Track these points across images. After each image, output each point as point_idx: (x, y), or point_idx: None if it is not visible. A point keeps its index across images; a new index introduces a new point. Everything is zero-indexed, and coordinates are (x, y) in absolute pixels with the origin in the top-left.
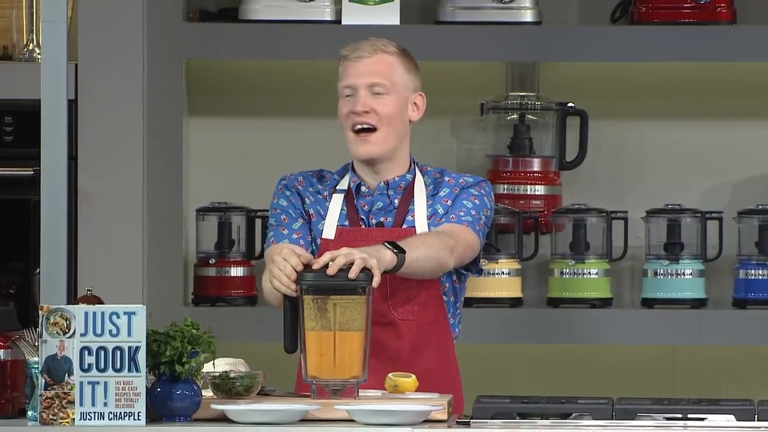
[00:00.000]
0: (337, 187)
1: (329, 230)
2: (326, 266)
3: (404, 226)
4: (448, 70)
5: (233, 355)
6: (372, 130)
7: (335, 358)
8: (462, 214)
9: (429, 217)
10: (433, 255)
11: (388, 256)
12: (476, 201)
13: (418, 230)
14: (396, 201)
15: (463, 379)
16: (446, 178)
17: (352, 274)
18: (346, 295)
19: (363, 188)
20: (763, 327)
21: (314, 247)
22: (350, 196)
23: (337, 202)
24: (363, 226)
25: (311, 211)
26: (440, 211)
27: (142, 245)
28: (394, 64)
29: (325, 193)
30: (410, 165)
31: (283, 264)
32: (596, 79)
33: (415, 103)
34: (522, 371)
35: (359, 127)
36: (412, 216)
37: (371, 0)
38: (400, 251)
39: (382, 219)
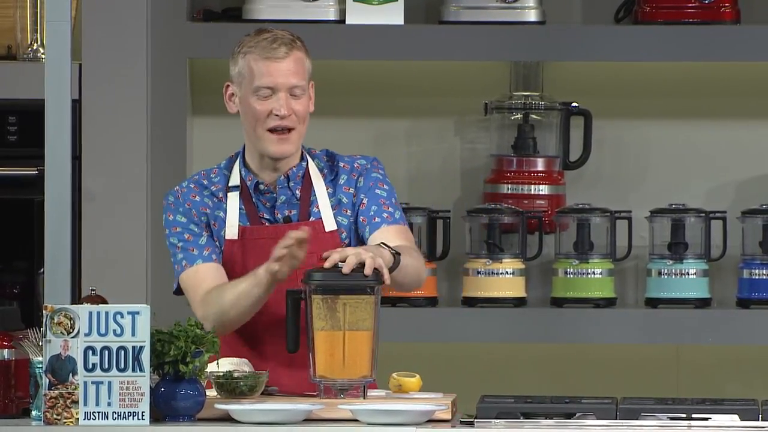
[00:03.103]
0: (230, 185)
1: (231, 231)
2: (336, 266)
3: (311, 218)
4: (452, 70)
5: (237, 355)
6: (290, 128)
7: (345, 358)
8: (391, 209)
9: (334, 207)
10: (417, 267)
11: (387, 255)
12: (385, 187)
13: (325, 221)
14: (297, 191)
15: (467, 378)
16: (341, 164)
17: (368, 270)
18: (356, 295)
19: (261, 186)
20: (766, 326)
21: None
22: (246, 194)
23: (233, 202)
24: (266, 224)
25: (213, 221)
26: (345, 200)
27: (146, 245)
28: (305, 61)
29: (220, 194)
30: (302, 153)
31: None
32: (600, 79)
33: (310, 94)
34: (526, 371)
35: (280, 128)
36: (317, 207)
37: (375, 0)
38: (396, 252)
39: (287, 212)
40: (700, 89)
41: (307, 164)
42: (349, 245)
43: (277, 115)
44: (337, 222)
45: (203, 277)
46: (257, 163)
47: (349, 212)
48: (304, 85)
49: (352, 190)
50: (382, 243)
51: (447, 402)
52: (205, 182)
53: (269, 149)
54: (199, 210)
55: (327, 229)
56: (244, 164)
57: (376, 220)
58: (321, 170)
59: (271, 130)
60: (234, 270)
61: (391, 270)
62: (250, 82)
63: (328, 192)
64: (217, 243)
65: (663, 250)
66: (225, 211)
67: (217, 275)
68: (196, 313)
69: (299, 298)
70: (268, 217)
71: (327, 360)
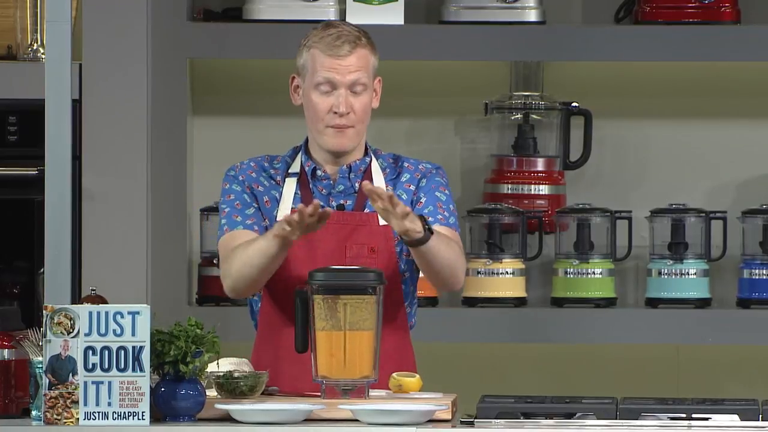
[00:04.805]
0: (289, 171)
1: (284, 214)
2: (339, 268)
3: (365, 210)
4: (452, 70)
5: (237, 354)
6: (348, 126)
7: (345, 358)
8: (446, 214)
9: None
10: (452, 259)
11: (419, 224)
12: (446, 191)
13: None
14: (357, 184)
15: (467, 378)
16: (405, 164)
17: (368, 189)
18: (357, 295)
19: (319, 172)
20: (766, 326)
21: None
22: (304, 180)
23: (290, 186)
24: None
25: (266, 198)
26: (404, 196)
27: (147, 245)
28: (369, 58)
29: (278, 178)
30: (366, 149)
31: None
32: (600, 79)
33: (375, 89)
34: (526, 371)
35: (338, 125)
36: None
37: (375, 0)
38: (430, 230)
39: (342, 201)
40: (701, 89)
41: (371, 160)
42: (402, 240)
43: (336, 113)
44: None
45: (236, 239)
46: (319, 153)
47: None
48: (366, 82)
49: (412, 187)
50: (423, 219)
51: (447, 402)
52: (266, 165)
53: (327, 143)
54: (251, 185)
55: (381, 223)
56: (306, 152)
57: (430, 219)
58: (383, 169)
59: (330, 127)
60: None
61: (416, 244)
62: (312, 76)
63: (387, 189)
64: (266, 222)
65: (663, 250)
66: (280, 194)
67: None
68: (221, 273)
69: (308, 297)
70: (322, 203)
71: (328, 360)
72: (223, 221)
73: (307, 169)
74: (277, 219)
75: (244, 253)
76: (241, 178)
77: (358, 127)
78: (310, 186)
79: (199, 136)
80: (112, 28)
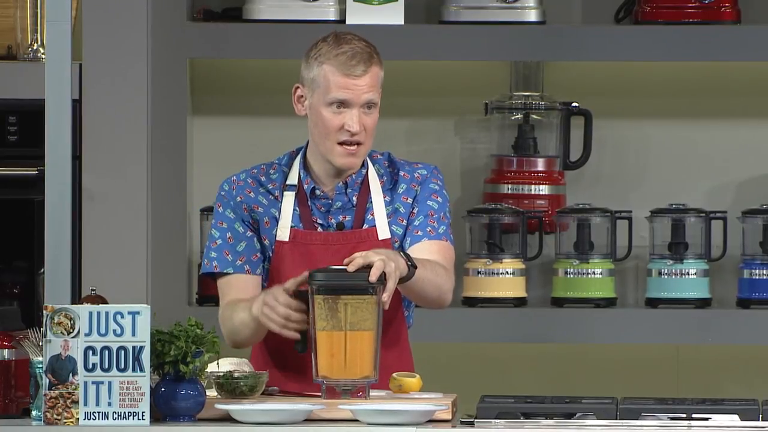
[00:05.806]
0: (287, 183)
1: (283, 232)
2: (339, 268)
3: (365, 225)
4: (452, 70)
5: (237, 354)
6: (359, 143)
7: (346, 358)
8: (436, 224)
9: (389, 216)
10: (439, 284)
11: (402, 265)
12: (438, 199)
13: (379, 228)
14: (354, 198)
15: (467, 378)
16: (401, 173)
17: (372, 277)
18: (357, 295)
19: (318, 192)
20: (766, 326)
21: (270, 253)
22: (302, 196)
23: (288, 202)
24: (320, 229)
25: (266, 218)
26: (402, 210)
27: (147, 245)
28: (379, 74)
29: (276, 193)
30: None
31: (274, 305)
32: (600, 79)
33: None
34: (526, 371)
35: (349, 142)
36: (372, 215)
37: (375, 0)
38: (413, 265)
39: (341, 218)
40: (701, 89)
41: (367, 171)
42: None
43: (348, 131)
44: (391, 231)
45: (229, 288)
46: (320, 166)
47: (404, 222)
48: (377, 100)
49: (410, 200)
50: (401, 252)
51: (447, 402)
52: (263, 179)
53: (337, 161)
54: (250, 206)
55: (380, 237)
56: (305, 165)
57: (419, 233)
58: (380, 177)
59: (341, 143)
60: (282, 271)
61: (404, 280)
62: (324, 93)
63: (385, 200)
64: (266, 241)
65: (663, 250)
66: (279, 210)
67: (242, 288)
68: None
69: (308, 298)
70: (321, 221)
71: (328, 360)
72: (213, 254)
73: (306, 187)
74: (277, 238)
75: (231, 322)
76: (239, 199)
77: (368, 143)
78: (309, 203)
79: (199, 136)
80: (112, 27)
